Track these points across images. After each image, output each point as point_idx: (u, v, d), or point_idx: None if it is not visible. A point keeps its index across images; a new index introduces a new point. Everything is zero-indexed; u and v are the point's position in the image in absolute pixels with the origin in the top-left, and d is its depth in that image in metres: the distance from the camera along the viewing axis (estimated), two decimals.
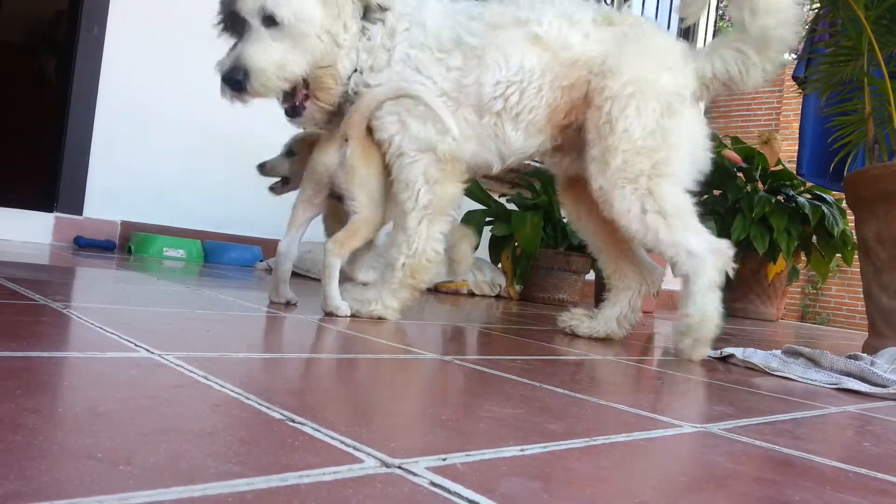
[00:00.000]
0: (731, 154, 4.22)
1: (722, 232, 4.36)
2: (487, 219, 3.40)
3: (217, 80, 1.52)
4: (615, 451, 0.62)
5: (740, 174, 4.59)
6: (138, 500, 0.38)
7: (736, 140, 4.58)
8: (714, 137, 4.07)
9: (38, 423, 0.50)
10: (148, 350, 0.83)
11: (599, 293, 3.77)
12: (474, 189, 3.42)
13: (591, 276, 3.67)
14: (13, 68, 4.57)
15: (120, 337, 0.90)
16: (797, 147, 3.86)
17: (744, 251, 4.45)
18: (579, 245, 3.40)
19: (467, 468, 0.52)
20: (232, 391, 0.67)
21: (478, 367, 1.01)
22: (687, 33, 5.76)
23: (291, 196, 1.70)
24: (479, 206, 3.46)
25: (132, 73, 2.98)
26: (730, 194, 4.46)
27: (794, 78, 3.86)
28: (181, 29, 3.07)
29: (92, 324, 0.98)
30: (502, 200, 3.56)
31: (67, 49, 3.02)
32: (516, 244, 3.33)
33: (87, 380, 0.66)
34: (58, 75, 4.33)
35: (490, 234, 3.39)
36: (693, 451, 0.66)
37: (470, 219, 3.34)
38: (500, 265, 3.48)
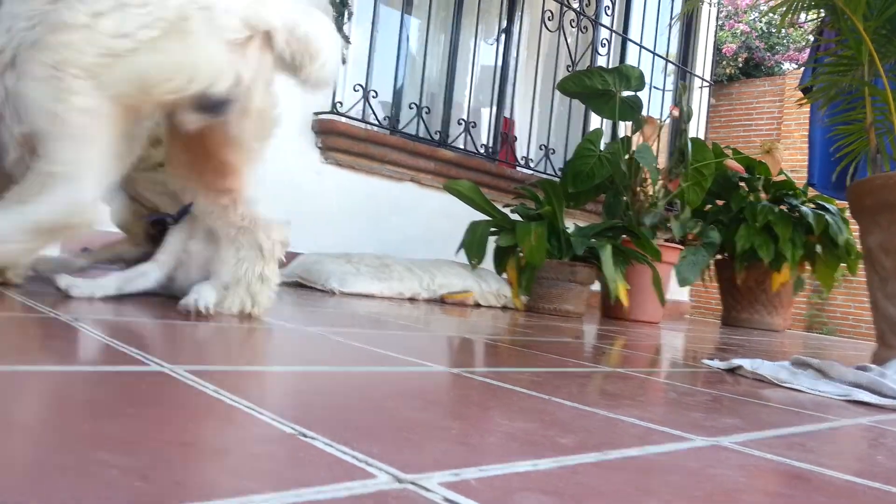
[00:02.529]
0: (732, 163, 4.22)
1: (726, 241, 4.36)
2: (492, 229, 3.40)
3: None
4: (628, 465, 0.62)
5: (742, 184, 4.60)
6: None
7: (735, 151, 4.59)
8: (715, 148, 4.08)
9: (52, 438, 0.50)
10: (158, 364, 0.83)
11: (605, 303, 3.77)
12: (477, 199, 3.42)
13: (596, 286, 3.66)
14: None
15: (130, 350, 0.90)
16: (805, 157, 3.86)
17: (748, 261, 4.45)
18: (584, 256, 3.40)
19: (480, 483, 0.51)
20: (243, 405, 0.67)
21: (486, 380, 1.01)
22: (690, 21, 5.75)
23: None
24: (483, 217, 3.46)
25: None
26: (733, 204, 4.46)
27: (801, 88, 3.87)
28: None
29: (102, 337, 0.99)
30: (506, 211, 3.57)
31: None
32: (521, 254, 3.32)
33: (100, 394, 0.66)
34: None
35: (495, 244, 3.39)
36: (705, 464, 0.65)
37: (474, 229, 3.35)
38: (505, 276, 3.48)
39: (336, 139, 3.56)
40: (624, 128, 4.30)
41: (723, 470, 0.64)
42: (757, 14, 9.27)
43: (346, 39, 3.49)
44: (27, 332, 0.98)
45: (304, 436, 0.59)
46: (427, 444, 0.61)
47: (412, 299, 3.04)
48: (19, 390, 0.63)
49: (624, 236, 3.66)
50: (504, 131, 4.54)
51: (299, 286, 2.97)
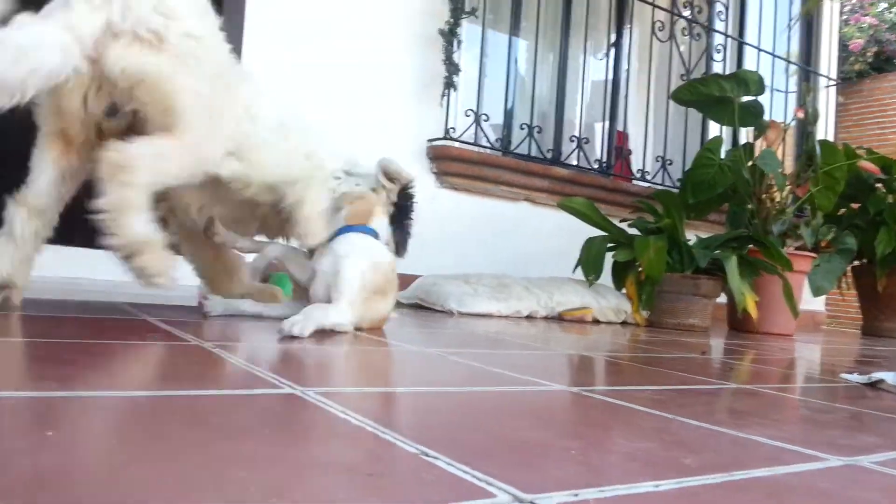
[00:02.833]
0: (866, 164, 3.95)
1: (864, 246, 4.09)
2: (609, 244, 3.35)
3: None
4: (756, 486, 0.60)
5: (879, 185, 4.30)
6: None
7: (870, 151, 4.30)
8: (847, 149, 3.84)
9: (200, 460, 0.54)
10: (291, 386, 0.88)
11: (732, 316, 3.61)
12: (593, 215, 3.38)
13: (722, 299, 3.53)
14: None
15: (265, 374, 0.96)
16: None
17: (890, 266, 4.14)
18: (708, 268, 3.28)
19: None
20: (368, 425, 0.70)
21: (606, 399, 1.00)
22: (811, 19, 5.46)
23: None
24: (600, 233, 3.41)
25: None
26: (870, 206, 4.17)
27: None
28: (307, 85, 3.25)
29: (240, 362, 1.05)
30: (623, 225, 3.50)
31: None
32: (640, 269, 3.25)
33: (240, 417, 0.71)
34: None
35: (612, 259, 3.33)
36: (841, 486, 0.62)
37: (590, 245, 3.31)
38: (624, 291, 3.41)
39: (449, 164, 3.63)
40: (745, 134, 4.13)
41: (861, 492, 0.61)
42: (885, 4, 8.68)
43: (456, 67, 3.56)
44: (175, 360, 1.06)
45: (427, 455, 0.61)
46: (546, 464, 0.62)
47: (530, 317, 3.04)
48: (169, 413, 0.69)
49: (751, 246, 3.50)
50: (618, 145, 4.47)
51: (419, 308, 3.03)
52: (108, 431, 0.60)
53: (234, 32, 3.09)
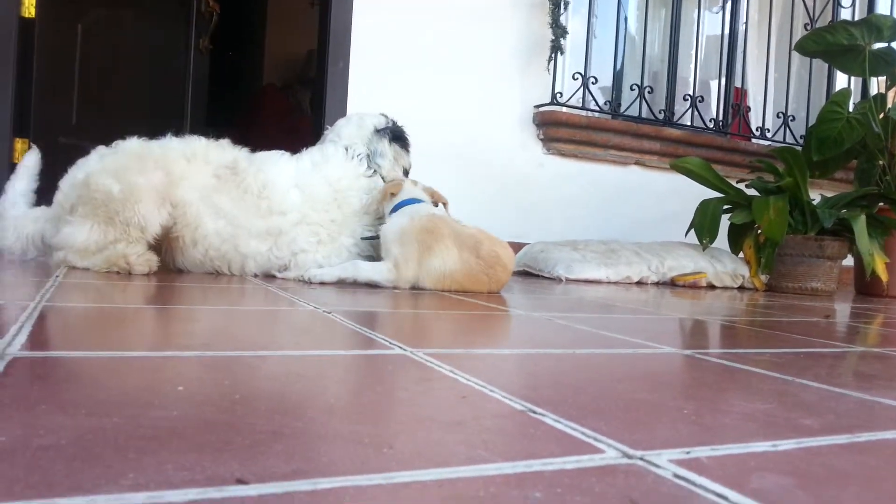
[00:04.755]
0: None
1: None
2: (725, 206, 3.21)
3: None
4: (883, 448, 0.57)
5: None
6: (401, 480, 0.43)
7: None
8: None
9: (315, 413, 0.57)
10: (401, 347, 0.90)
11: (860, 279, 3.40)
12: (709, 176, 3.25)
13: (849, 260, 3.32)
14: (278, 105, 5.53)
15: (377, 336, 0.99)
16: None
17: None
18: (833, 229, 3.10)
19: (713, 462, 0.51)
20: (476, 384, 0.71)
21: (721, 361, 0.97)
22: None
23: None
24: (714, 194, 3.28)
25: (372, 101, 3.18)
26: None
27: None
28: (412, 58, 3.27)
29: (354, 325, 1.09)
30: (741, 186, 3.35)
31: (318, 84, 3.35)
32: (759, 231, 3.11)
33: (354, 374, 0.74)
34: (312, 108, 4.99)
35: (729, 222, 3.20)
36: None
37: (705, 208, 3.18)
38: (741, 254, 3.27)
39: (557, 129, 3.57)
40: (876, 84, 3.84)
41: None
42: None
43: (564, 30, 3.49)
44: (292, 322, 1.12)
45: (533, 412, 0.61)
46: (657, 423, 0.61)
47: (640, 283, 2.97)
48: (294, 374, 0.73)
49: (881, 204, 3.27)
50: (735, 102, 4.25)
51: (526, 274, 3.03)
52: (233, 387, 0.64)
53: (343, 3, 3.17)
